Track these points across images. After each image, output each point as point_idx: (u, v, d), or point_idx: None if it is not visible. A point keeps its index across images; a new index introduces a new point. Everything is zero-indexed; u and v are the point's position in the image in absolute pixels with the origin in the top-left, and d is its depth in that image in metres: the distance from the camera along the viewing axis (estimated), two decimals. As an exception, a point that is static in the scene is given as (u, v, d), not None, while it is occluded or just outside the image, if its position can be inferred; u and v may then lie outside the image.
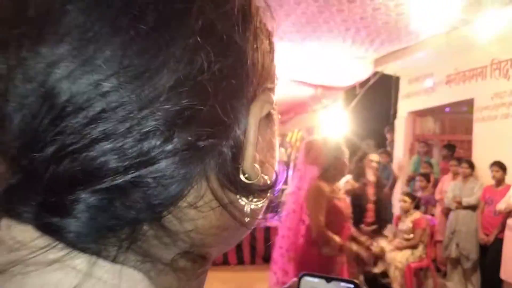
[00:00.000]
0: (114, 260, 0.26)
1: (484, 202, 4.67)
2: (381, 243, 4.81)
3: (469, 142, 5.82)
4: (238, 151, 0.28)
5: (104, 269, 0.25)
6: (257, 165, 0.29)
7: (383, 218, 5.32)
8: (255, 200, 0.30)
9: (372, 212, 5.12)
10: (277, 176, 0.32)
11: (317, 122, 8.54)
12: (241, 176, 0.29)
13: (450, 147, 6.16)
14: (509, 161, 4.53)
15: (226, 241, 0.31)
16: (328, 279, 0.43)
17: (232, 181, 0.28)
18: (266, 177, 0.31)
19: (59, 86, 0.23)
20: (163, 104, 0.24)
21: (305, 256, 2.72)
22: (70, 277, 0.24)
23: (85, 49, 0.23)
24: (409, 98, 6.80)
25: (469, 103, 5.82)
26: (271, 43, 0.33)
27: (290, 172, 8.38)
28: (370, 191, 5.17)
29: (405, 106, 6.90)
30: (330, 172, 2.73)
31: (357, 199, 4.94)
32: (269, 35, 0.33)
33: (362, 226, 4.78)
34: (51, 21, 0.24)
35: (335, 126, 7.68)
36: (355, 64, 6.51)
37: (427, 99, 6.43)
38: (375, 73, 6.87)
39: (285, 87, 7.39)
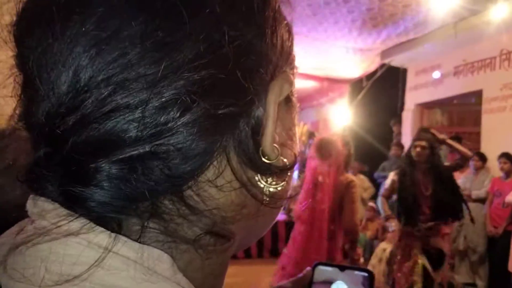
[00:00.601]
0: (135, 236, 0.26)
1: (492, 194, 4.64)
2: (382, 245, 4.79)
3: (478, 134, 5.76)
4: (257, 128, 0.29)
5: (126, 245, 0.25)
6: (277, 146, 0.30)
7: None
8: (274, 182, 0.30)
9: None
10: (295, 159, 0.32)
11: (323, 115, 8.51)
12: (261, 155, 0.29)
13: (456, 139, 6.11)
14: (518, 153, 4.49)
15: (249, 220, 0.31)
16: (342, 268, 0.43)
17: (252, 160, 0.28)
18: (285, 159, 0.31)
19: (85, 59, 0.24)
20: (183, 74, 0.25)
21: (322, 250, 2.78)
22: (91, 251, 0.24)
23: (111, 23, 0.24)
24: (416, 90, 6.74)
25: (478, 94, 5.76)
26: (290, 32, 0.34)
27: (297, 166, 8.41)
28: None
29: (412, 98, 6.85)
30: (342, 168, 2.85)
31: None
32: (287, 24, 0.33)
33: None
34: (80, 0, 0.25)
35: (342, 119, 7.66)
36: (361, 56, 6.46)
37: (434, 91, 6.37)
38: (382, 65, 6.82)
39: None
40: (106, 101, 0.24)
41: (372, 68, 6.92)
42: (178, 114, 0.25)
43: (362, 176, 6.94)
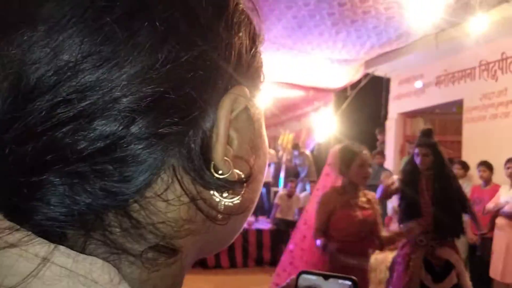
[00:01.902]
0: (77, 248, 0.26)
1: (472, 202, 4.72)
2: None
3: (459, 143, 5.87)
4: (206, 143, 0.28)
5: (65, 255, 0.25)
6: (228, 159, 0.29)
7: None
8: (229, 196, 0.30)
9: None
10: (251, 172, 0.31)
11: (309, 124, 8.57)
12: (212, 170, 0.28)
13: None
14: (498, 161, 4.58)
15: (200, 235, 0.31)
16: (326, 276, 0.43)
17: (201, 175, 0.28)
18: (240, 173, 0.30)
19: (28, 69, 0.24)
20: (127, 91, 0.25)
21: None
22: (27, 262, 0.24)
23: (56, 37, 0.25)
24: (399, 100, 6.85)
25: (459, 103, 5.88)
26: (254, 42, 0.33)
27: (282, 174, 8.30)
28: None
29: (395, 108, 6.95)
30: (346, 181, 2.67)
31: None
32: (253, 35, 0.33)
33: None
34: (29, 11, 0.25)
35: (326, 128, 7.72)
36: (346, 66, 6.54)
37: (417, 100, 6.48)
38: (366, 75, 6.91)
39: (276, 89, 7.40)
40: (52, 113, 0.24)
41: (357, 77, 7.01)
42: (120, 130, 0.25)
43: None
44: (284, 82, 7.31)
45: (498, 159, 4.57)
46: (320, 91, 7.92)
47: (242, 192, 0.31)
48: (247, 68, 0.32)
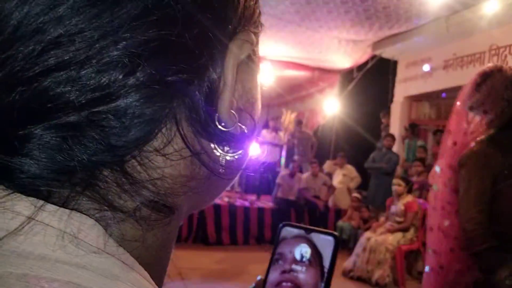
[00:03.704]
0: (64, 205, 0.24)
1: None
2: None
3: (464, 128, 5.83)
4: (212, 94, 0.26)
5: (51, 213, 0.23)
6: (234, 112, 0.27)
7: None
8: (231, 151, 0.28)
9: None
10: (255, 126, 0.30)
11: (313, 105, 8.52)
12: (216, 123, 0.27)
13: (440, 132, 6.20)
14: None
15: (198, 192, 0.29)
16: (308, 230, 0.43)
17: (205, 127, 0.26)
18: (243, 126, 0.29)
19: (9, 8, 0.21)
20: (127, 33, 0.22)
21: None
22: (9, 220, 0.22)
23: None
24: (406, 83, 6.78)
25: (466, 89, 5.81)
26: None
27: (284, 154, 8.31)
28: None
29: (401, 91, 6.89)
30: None
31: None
32: None
33: None
34: None
35: (331, 109, 7.68)
36: (353, 47, 6.46)
37: (423, 84, 6.42)
38: (373, 57, 6.83)
39: (281, 69, 7.34)
40: (38, 59, 0.22)
41: (363, 59, 6.93)
42: (120, 77, 0.23)
43: (349, 166, 7.02)
44: (289, 62, 7.24)
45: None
46: (325, 72, 7.84)
47: (245, 146, 0.29)
48: (251, 14, 0.30)
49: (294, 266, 0.42)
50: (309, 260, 0.42)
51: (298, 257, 0.43)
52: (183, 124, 0.26)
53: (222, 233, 5.76)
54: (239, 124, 0.28)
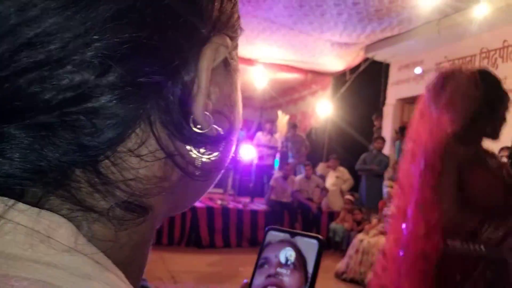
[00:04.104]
0: (36, 205, 0.24)
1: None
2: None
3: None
4: (186, 96, 0.27)
5: (21, 212, 0.23)
6: (208, 114, 0.28)
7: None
8: (207, 153, 0.29)
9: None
10: (231, 128, 0.30)
11: (305, 108, 8.55)
12: (191, 125, 0.27)
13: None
14: (493, 150, 4.60)
15: (174, 193, 0.29)
16: (292, 234, 0.43)
17: (179, 129, 0.27)
18: (219, 128, 0.29)
19: None
20: (100, 35, 0.23)
21: None
22: None
23: None
24: (398, 85, 6.83)
25: (457, 91, 5.86)
26: None
27: (277, 157, 8.33)
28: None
29: (394, 93, 6.93)
30: None
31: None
32: None
33: None
34: None
35: (324, 112, 7.71)
36: (346, 50, 6.49)
37: (416, 87, 6.46)
38: (366, 60, 6.87)
39: (274, 71, 7.35)
40: (11, 60, 0.22)
41: (356, 62, 6.97)
42: (92, 78, 0.23)
43: (342, 168, 7.04)
44: (283, 64, 7.25)
45: (494, 147, 4.59)
46: (318, 75, 7.87)
47: (221, 149, 0.30)
48: (227, 18, 0.30)
49: (279, 270, 0.42)
50: (293, 263, 0.42)
51: (283, 260, 0.43)
52: (157, 125, 0.26)
53: (215, 235, 5.75)
54: (215, 126, 0.28)
